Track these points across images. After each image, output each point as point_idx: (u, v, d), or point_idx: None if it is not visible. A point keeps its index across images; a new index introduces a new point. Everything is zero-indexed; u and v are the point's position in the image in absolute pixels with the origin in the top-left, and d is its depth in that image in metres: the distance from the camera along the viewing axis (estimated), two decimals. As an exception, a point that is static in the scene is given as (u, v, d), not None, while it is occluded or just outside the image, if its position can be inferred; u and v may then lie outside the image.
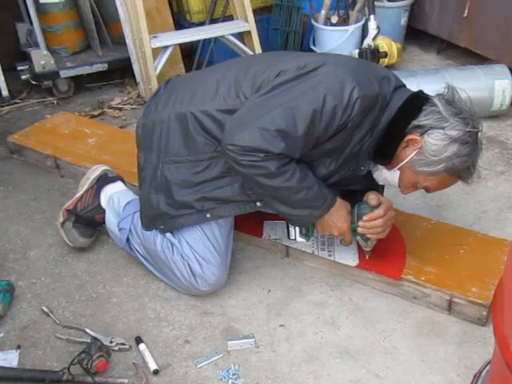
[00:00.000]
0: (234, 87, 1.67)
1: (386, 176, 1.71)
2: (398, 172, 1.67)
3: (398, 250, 1.88)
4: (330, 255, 1.90)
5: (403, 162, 1.63)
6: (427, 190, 1.70)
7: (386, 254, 1.85)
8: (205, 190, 1.71)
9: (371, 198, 1.70)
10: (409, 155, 1.61)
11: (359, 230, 1.71)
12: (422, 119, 1.59)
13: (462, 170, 1.61)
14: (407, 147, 1.62)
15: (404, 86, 1.71)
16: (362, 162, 1.68)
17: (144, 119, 1.84)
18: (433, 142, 1.57)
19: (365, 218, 1.69)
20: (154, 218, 1.80)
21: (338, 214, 1.69)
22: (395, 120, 1.61)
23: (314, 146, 1.60)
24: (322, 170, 1.68)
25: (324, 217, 1.68)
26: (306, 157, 1.63)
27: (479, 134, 1.60)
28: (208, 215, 1.73)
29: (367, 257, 1.81)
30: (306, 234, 1.84)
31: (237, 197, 1.71)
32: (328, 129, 1.56)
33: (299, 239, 1.86)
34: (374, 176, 1.75)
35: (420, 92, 1.68)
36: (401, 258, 1.84)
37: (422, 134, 1.59)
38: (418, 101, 1.63)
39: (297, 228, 1.84)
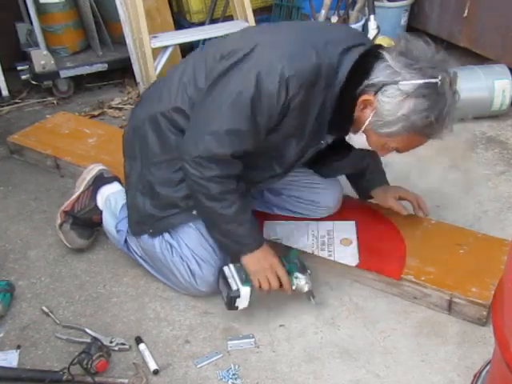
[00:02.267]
0: (193, 79, 1.65)
1: (356, 140, 1.63)
2: (364, 135, 1.57)
3: (398, 249, 1.88)
4: (330, 255, 1.89)
5: (364, 126, 1.54)
6: (398, 150, 1.60)
7: (386, 254, 1.85)
8: (187, 187, 1.70)
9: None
10: (367, 117, 1.51)
11: None
12: (373, 77, 1.48)
13: (423, 127, 1.47)
14: (365, 109, 1.51)
15: (361, 44, 1.56)
16: (324, 134, 1.62)
17: (127, 126, 1.86)
18: (386, 100, 1.46)
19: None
20: (141, 222, 1.79)
21: (264, 253, 1.68)
22: (347, 84, 1.51)
23: (268, 132, 1.57)
24: (291, 150, 1.66)
25: (252, 254, 1.66)
26: (269, 142, 1.61)
27: (439, 83, 1.43)
28: (194, 212, 1.73)
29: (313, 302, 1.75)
30: (247, 279, 1.66)
31: None
32: (271, 114, 1.52)
33: (243, 288, 1.64)
34: (348, 141, 1.67)
35: (372, 47, 1.56)
36: (401, 258, 1.84)
37: (376, 93, 1.47)
38: (370, 59, 1.50)
39: (236, 277, 1.66)
